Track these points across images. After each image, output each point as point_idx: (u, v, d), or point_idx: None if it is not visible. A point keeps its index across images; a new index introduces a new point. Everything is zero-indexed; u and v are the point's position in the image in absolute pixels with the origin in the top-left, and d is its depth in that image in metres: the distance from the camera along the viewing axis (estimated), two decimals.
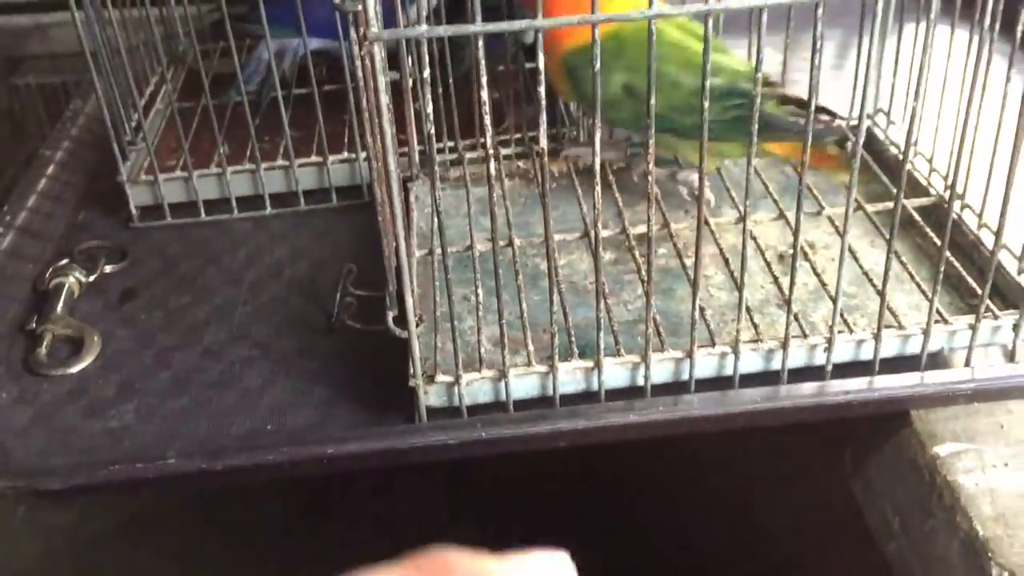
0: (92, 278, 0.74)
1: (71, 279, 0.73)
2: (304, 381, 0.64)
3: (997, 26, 0.60)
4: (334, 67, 0.88)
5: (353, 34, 0.53)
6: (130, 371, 0.66)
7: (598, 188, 0.51)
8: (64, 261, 0.75)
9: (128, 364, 0.66)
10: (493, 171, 0.50)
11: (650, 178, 0.51)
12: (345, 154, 0.81)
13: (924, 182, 0.72)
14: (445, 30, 0.47)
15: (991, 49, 0.58)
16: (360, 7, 0.49)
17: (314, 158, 0.81)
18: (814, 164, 0.62)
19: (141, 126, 0.83)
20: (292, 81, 0.89)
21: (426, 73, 0.47)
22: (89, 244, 0.78)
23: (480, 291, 0.65)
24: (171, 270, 0.76)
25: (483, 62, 0.47)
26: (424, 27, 0.46)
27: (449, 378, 0.57)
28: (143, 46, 0.92)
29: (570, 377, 0.58)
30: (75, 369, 0.66)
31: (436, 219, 0.55)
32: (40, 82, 1.49)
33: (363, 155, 0.81)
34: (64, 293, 0.71)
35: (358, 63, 0.53)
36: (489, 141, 0.49)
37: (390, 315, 0.62)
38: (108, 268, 0.75)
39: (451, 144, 0.81)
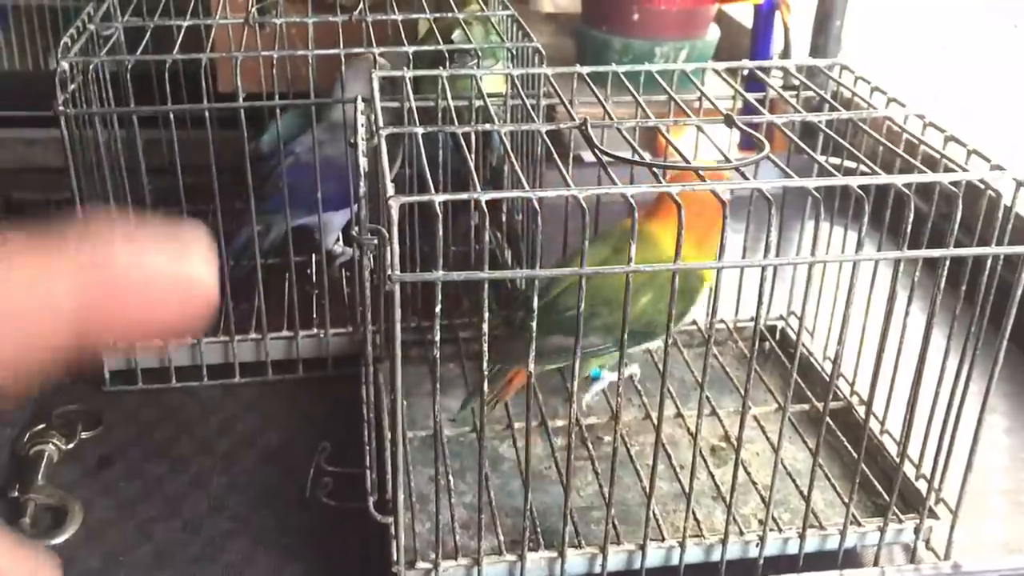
0: (71, 445, 0.77)
1: (50, 446, 0.76)
2: (283, 558, 0.69)
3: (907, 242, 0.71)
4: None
5: (366, 259, 0.61)
6: (113, 542, 0.69)
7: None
8: (41, 426, 0.78)
9: (110, 535, 0.70)
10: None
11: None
12: (314, 330, 0.88)
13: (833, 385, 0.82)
14: (459, 275, 0.55)
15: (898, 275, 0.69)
16: (378, 246, 0.57)
17: (285, 332, 0.87)
18: None
19: None
20: (271, 253, 0.94)
21: (437, 308, 0.55)
22: (66, 409, 0.81)
23: (449, 474, 0.72)
24: (146, 437, 0.80)
25: (487, 303, 0.55)
26: (440, 272, 0.54)
27: (428, 565, 0.63)
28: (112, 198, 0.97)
29: (535, 565, 0.65)
30: (59, 540, 0.69)
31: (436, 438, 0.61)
32: None
33: (331, 331, 0.87)
34: (44, 460, 0.74)
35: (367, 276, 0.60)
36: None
37: (371, 500, 0.68)
38: (84, 434, 0.79)
39: (413, 324, 0.88)
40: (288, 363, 0.88)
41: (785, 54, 1.31)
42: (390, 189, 0.56)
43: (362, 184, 0.60)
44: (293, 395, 0.86)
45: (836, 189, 0.67)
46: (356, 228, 0.60)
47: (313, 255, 0.98)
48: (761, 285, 0.57)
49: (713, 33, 1.50)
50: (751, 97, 0.78)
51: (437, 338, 0.56)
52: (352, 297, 0.93)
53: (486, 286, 0.55)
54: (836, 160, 0.77)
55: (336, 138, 0.90)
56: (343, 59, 0.81)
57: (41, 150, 2.13)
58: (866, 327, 0.77)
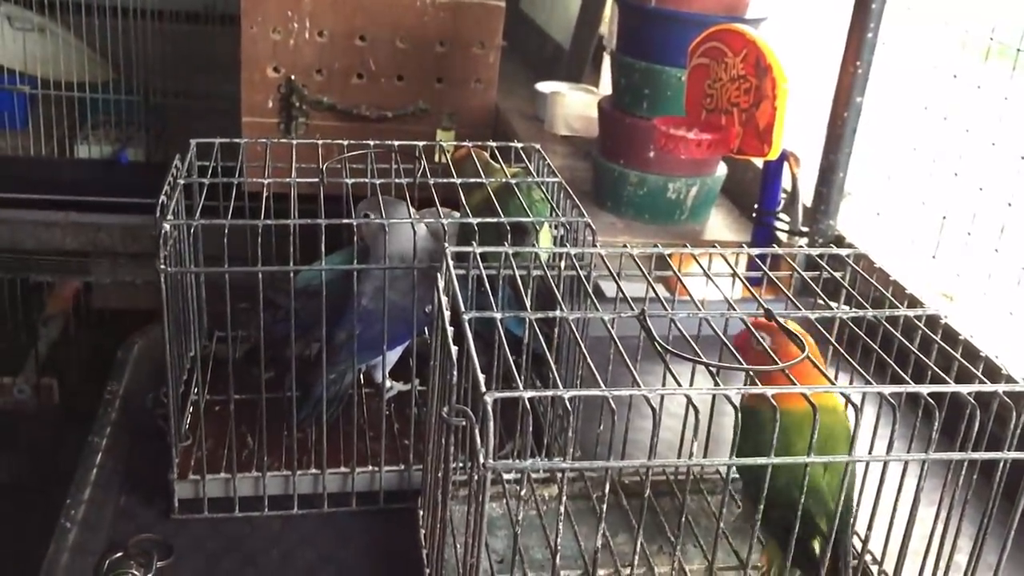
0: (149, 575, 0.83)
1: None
2: None
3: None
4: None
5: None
6: None
7: None
8: (119, 554, 0.84)
9: None
10: None
11: None
12: (369, 467, 0.95)
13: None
14: (544, 464, 0.63)
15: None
16: (473, 429, 0.64)
17: (342, 468, 0.94)
18: None
19: (182, 420, 0.95)
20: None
21: (521, 492, 0.62)
22: (140, 537, 0.87)
23: None
24: (215, 568, 0.86)
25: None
26: (529, 461, 0.62)
27: None
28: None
29: None
30: None
31: None
32: None
33: (385, 468, 0.94)
34: None
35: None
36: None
37: None
38: (159, 563, 0.85)
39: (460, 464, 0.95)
40: (342, 496, 0.94)
41: (791, 201, 1.41)
42: (482, 383, 0.63)
43: (455, 372, 0.68)
44: (347, 528, 0.92)
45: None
46: (447, 409, 0.67)
47: (363, 389, 1.06)
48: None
49: (721, 170, 1.61)
50: (768, 271, 0.87)
51: (517, 529, 0.63)
52: (402, 432, 1.00)
53: (566, 473, 0.63)
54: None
55: (394, 277, 0.97)
56: (413, 227, 0.89)
57: (58, 233, 2.21)
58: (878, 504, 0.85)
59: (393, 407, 1.05)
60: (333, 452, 0.95)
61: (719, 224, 1.63)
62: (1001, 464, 0.67)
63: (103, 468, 0.93)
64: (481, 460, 0.61)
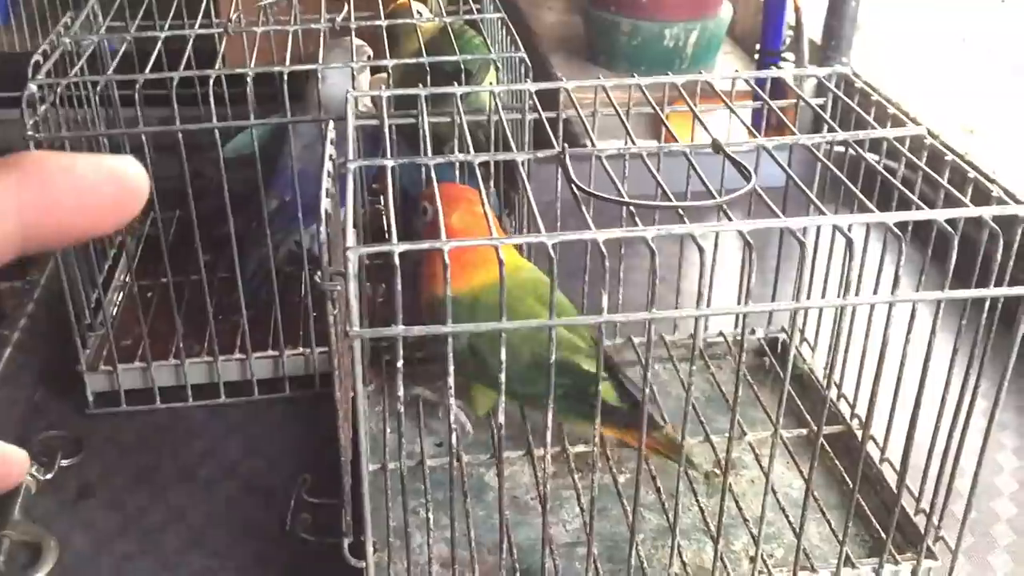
0: (49, 475, 0.76)
1: (28, 477, 0.75)
2: None
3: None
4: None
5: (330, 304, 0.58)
6: None
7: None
8: None
9: (86, 574, 0.69)
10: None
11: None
12: (301, 349, 0.86)
13: (833, 409, 0.79)
14: (421, 330, 0.52)
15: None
16: (340, 290, 0.54)
17: (270, 352, 0.85)
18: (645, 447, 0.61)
19: (100, 307, 0.87)
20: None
21: (398, 364, 0.53)
22: (47, 435, 0.80)
23: (431, 507, 0.70)
24: (127, 464, 0.78)
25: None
26: (401, 327, 0.52)
27: None
28: None
29: None
30: None
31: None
32: None
33: (318, 349, 0.85)
34: (21, 493, 0.73)
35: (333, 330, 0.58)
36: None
37: (346, 541, 0.66)
38: (64, 462, 0.77)
39: None
40: (275, 381, 0.86)
41: (796, 37, 1.26)
42: (350, 238, 0.53)
43: (323, 227, 0.57)
44: (280, 416, 0.84)
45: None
46: (319, 273, 0.57)
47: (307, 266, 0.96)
48: (742, 333, 0.54)
49: (726, 12, 1.45)
50: (744, 123, 0.74)
51: (400, 393, 0.54)
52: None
53: (450, 340, 0.52)
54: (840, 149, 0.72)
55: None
56: (319, 75, 0.78)
57: None
58: (867, 343, 0.74)
59: None
60: (262, 336, 0.86)
61: (726, 74, 1.48)
62: (988, 301, 0.55)
63: (13, 363, 0.85)
64: (346, 328, 0.52)
